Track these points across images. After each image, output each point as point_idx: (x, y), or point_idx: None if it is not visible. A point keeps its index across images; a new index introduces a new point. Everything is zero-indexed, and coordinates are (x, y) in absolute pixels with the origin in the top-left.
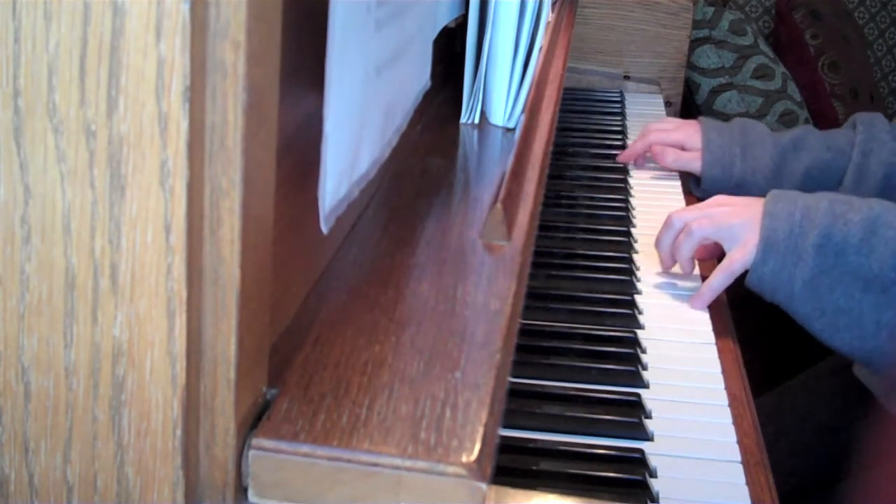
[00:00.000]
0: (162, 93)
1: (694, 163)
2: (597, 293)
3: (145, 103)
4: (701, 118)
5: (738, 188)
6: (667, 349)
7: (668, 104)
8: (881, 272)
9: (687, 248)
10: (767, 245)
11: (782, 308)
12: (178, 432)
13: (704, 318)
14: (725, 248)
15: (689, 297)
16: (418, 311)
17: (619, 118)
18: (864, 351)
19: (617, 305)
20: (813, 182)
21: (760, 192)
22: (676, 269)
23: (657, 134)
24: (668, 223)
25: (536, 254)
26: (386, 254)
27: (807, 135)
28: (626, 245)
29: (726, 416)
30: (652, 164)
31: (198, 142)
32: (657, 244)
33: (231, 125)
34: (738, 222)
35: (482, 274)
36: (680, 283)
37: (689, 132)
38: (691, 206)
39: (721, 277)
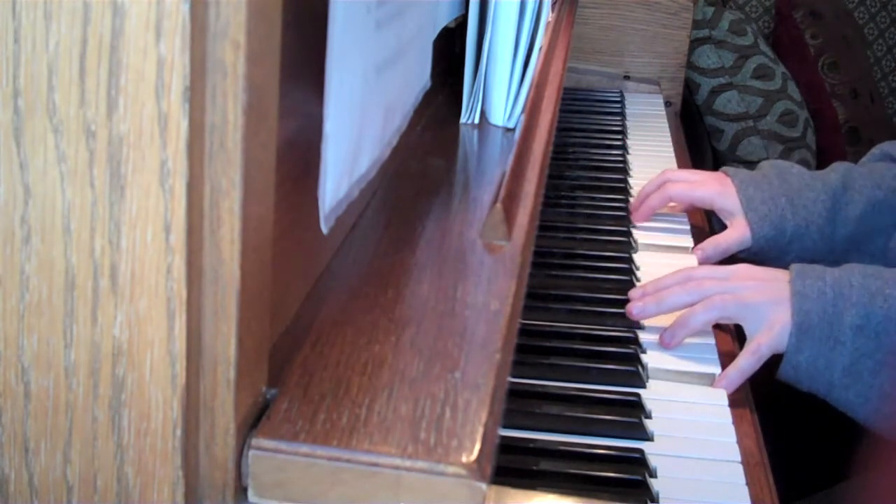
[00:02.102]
0: (162, 93)
1: (743, 238)
2: (597, 293)
3: (145, 103)
4: (727, 169)
5: (791, 244)
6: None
7: (668, 104)
8: None
9: (702, 321)
10: (801, 330)
11: (821, 397)
12: (178, 432)
13: None
14: (747, 329)
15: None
16: (418, 311)
17: (619, 118)
18: None
19: (617, 305)
20: (867, 224)
21: (814, 244)
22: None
23: (678, 187)
24: (683, 281)
25: (536, 254)
26: (386, 254)
27: (850, 172)
28: (626, 245)
29: (726, 416)
30: (652, 166)
31: (198, 142)
32: (663, 297)
33: (231, 125)
34: (763, 302)
35: (482, 274)
36: None
37: (717, 189)
38: (711, 271)
39: (750, 360)
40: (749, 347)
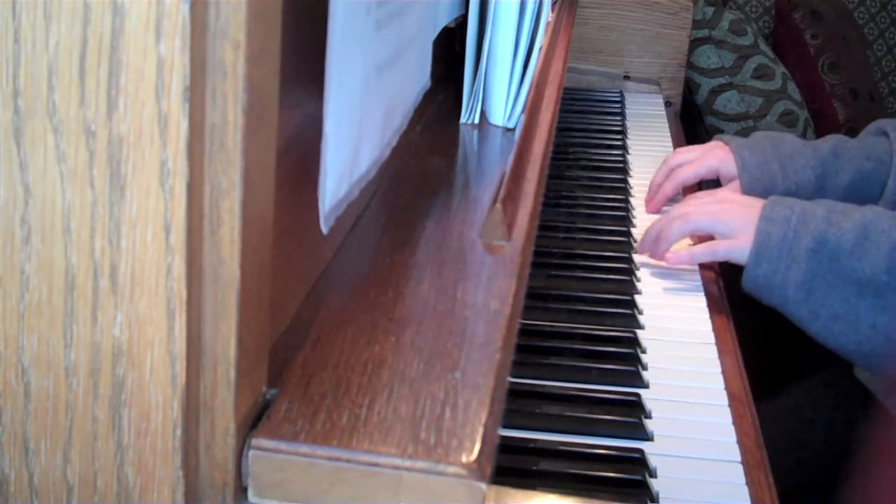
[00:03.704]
0: (162, 93)
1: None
2: (597, 293)
3: (145, 103)
4: (722, 137)
5: None
6: (667, 349)
7: (668, 104)
8: (874, 276)
9: (676, 233)
10: (760, 249)
11: (779, 311)
12: (178, 432)
13: (704, 318)
14: (717, 239)
15: (685, 286)
16: (418, 311)
17: (619, 118)
18: (860, 354)
19: (617, 305)
20: (856, 193)
21: None
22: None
23: (685, 170)
24: (669, 214)
25: (536, 254)
26: (386, 254)
27: (843, 143)
28: (626, 245)
29: (726, 416)
30: (652, 166)
31: (198, 142)
32: (651, 228)
33: (231, 125)
34: (734, 220)
35: (482, 274)
36: (680, 283)
37: (720, 156)
38: (695, 197)
39: (705, 251)
40: (710, 243)
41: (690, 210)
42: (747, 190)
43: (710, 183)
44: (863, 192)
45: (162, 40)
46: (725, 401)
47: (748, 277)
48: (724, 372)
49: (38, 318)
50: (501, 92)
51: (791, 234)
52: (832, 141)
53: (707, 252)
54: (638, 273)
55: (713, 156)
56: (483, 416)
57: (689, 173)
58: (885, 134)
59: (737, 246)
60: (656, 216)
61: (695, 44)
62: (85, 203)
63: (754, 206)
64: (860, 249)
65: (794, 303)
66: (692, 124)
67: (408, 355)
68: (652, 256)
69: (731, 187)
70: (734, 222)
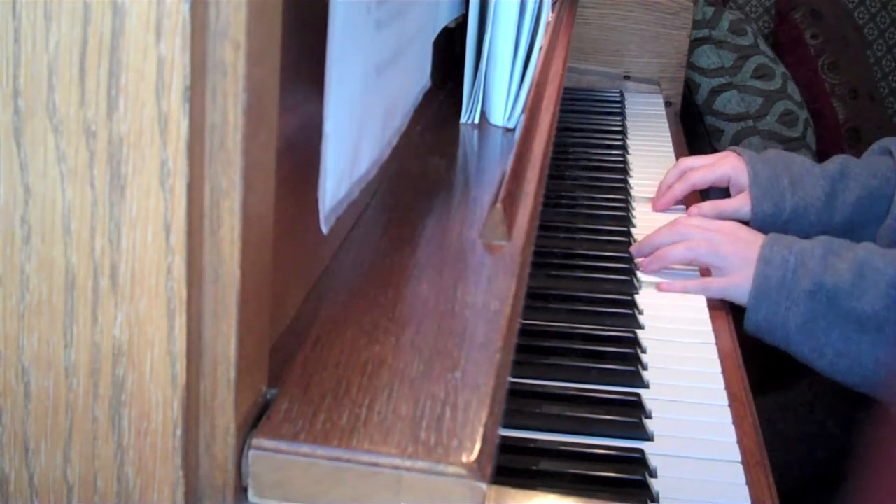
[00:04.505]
0: (162, 93)
1: (742, 209)
2: (597, 293)
3: (145, 103)
4: (736, 148)
5: (788, 224)
6: (667, 349)
7: (668, 104)
8: (874, 313)
9: (675, 258)
10: (759, 292)
11: (783, 350)
12: (178, 432)
13: (704, 318)
14: (713, 273)
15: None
16: (418, 311)
17: (619, 118)
18: (867, 387)
19: (617, 305)
20: (863, 210)
21: (811, 227)
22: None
23: (698, 173)
24: (674, 227)
25: (536, 254)
26: (386, 254)
27: (849, 162)
28: (626, 245)
29: (726, 416)
30: (652, 166)
31: (198, 142)
32: (653, 236)
33: (231, 125)
34: (733, 257)
35: (482, 274)
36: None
37: (733, 164)
38: (702, 221)
39: (697, 287)
40: (704, 280)
41: (693, 235)
42: (756, 202)
43: (719, 192)
44: (870, 209)
45: (162, 40)
46: (725, 401)
47: (749, 321)
48: (724, 372)
49: (38, 318)
50: (501, 92)
51: (790, 275)
52: (838, 161)
53: (699, 288)
54: (638, 273)
55: (727, 163)
56: (483, 416)
57: (702, 177)
58: (889, 153)
59: (731, 284)
60: (658, 217)
61: (695, 44)
62: (85, 203)
63: (754, 242)
64: (858, 289)
65: (797, 343)
66: (692, 124)
67: (408, 355)
68: (643, 269)
69: (741, 199)
70: (732, 259)
